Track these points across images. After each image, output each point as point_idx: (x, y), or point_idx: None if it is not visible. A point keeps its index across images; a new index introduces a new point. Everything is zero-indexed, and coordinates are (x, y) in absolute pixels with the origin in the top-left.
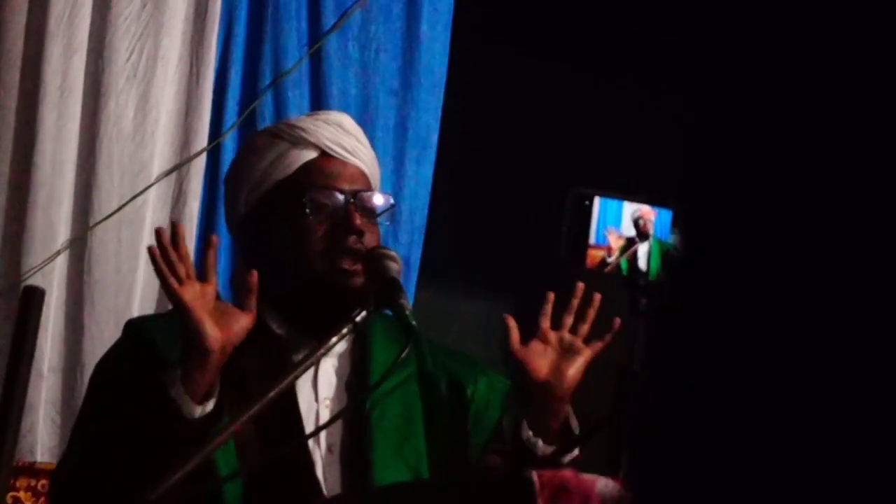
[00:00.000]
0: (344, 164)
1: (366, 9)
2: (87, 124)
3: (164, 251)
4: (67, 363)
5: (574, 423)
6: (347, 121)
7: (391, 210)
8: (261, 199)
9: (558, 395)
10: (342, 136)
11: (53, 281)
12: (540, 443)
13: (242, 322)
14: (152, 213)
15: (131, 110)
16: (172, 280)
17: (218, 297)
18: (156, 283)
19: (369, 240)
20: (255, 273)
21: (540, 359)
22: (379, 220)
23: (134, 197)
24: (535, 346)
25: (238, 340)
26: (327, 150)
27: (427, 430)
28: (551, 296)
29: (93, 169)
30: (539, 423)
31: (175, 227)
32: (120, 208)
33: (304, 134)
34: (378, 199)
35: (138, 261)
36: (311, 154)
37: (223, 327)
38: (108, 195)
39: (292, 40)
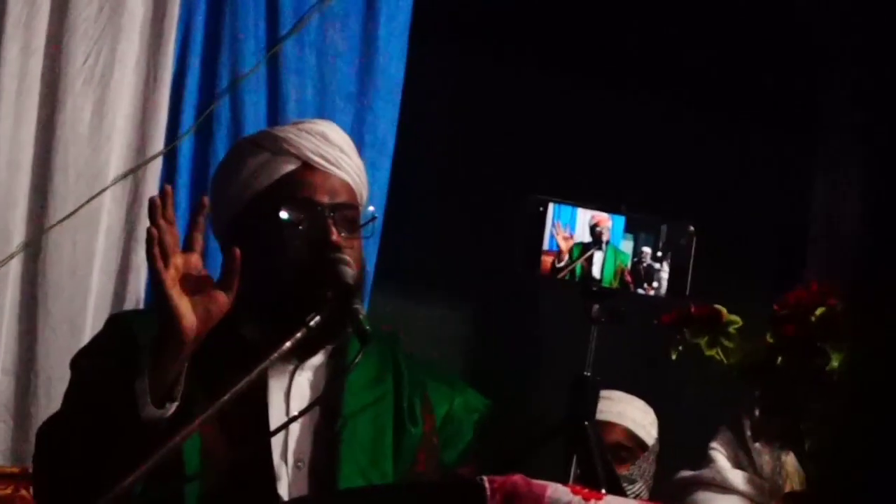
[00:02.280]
0: (326, 175)
1: (323, 14)
2: (44, 127)
3: (154, 218)
4: (21, 366)
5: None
6: (333, 131)
7: (373, 223)
8: (241, 209)
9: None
10: (325, 147)
11: (8, 283)
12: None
13: (220, 303)
14: (108, 216)
15: (88, 113)
16: (159, 261)
17: (202, 270)
18: (110, 286)
19: (349, 254)
20: (237, 251)
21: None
22: (362, 233)
23: (89, 200)
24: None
25: (213, 324)
26: (309, 161)
27: (395, 452)
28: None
29: (48, 172)
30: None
31: (165, 191)
32: (75, 211)
33: (285, 144)
34: (359, 213)
35: (93, 264)
36: (293, 165)
37: (200, 310)
38: (63, 198)
39: (249, 45)
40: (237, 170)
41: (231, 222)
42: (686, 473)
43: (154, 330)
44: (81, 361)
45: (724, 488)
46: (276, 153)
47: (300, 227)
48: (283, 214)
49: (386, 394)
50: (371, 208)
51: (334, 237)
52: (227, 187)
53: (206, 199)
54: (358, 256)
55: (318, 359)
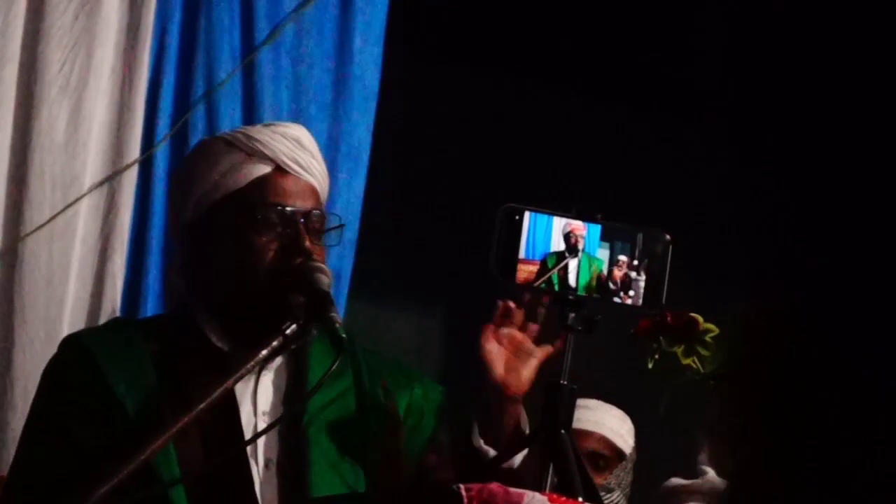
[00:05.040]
0: (297, 180)
1: (298, 22)
2: (19, 135)
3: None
4: None
5: (525, 427)
6: (305, 136)
7: (339, 230)
8: (210, 207)
9: (510, 395)
10: (299, 151)
11: None
12: (491, 452)
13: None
14: (84, 224)
15: (63, 121)
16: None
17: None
18: (86, 294)
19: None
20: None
21: (496, 358)
22: (327, 240)
23: (65, 208)
24: (491, 346)
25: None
26: (283, 165)
27: (362, 444)
28: (504, 304)
29: (24, 180)
30: (492, 426)
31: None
32: (51, 219)
33: (260, 146)
34: (328, 220)
35: (69, 272)
36: (266, 168)
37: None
38: (39, 206)
39: (225, 53)
40: (208, 168)
41: (195, 221)
42: (677, 481)
43: (111, 345)
44: (46, 393)
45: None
46: (250, 154)
47: (272, 233)
48: (258, 218)
49: (348, 389)
50: (337, 216)
51: (307, 244)
52: (195, 185)
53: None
54: (323, 262)
55: (279, 359)
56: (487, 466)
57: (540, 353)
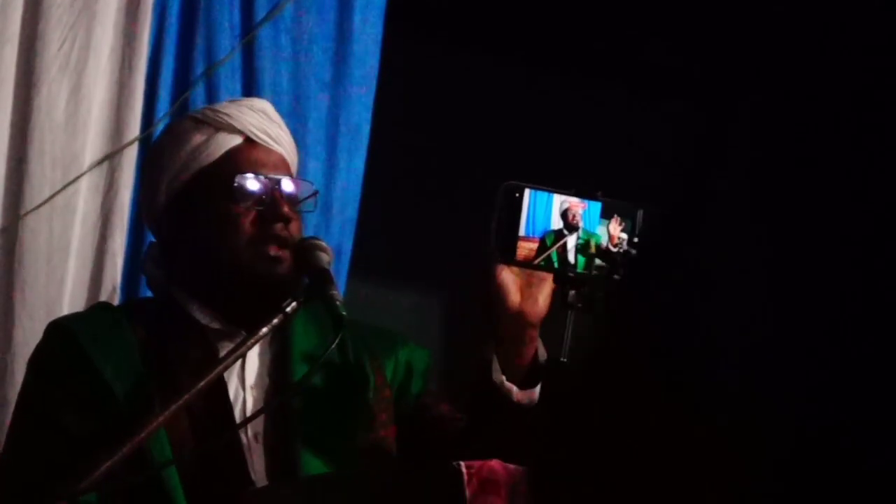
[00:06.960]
0: (268, 151)
1: (298, 1)
2: (19, 114)
3: None
4: None
5: (542, 356)
6: (270, 108)
7: (314, 197)
8: (183, 186)
9: (531, 322)
10: (267, 123)
11: None
12: (514, 389)
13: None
14: (84, 202)
15: (63, 100)
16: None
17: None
18: (86, 273)
19: (294, 227)
20: None
21: (510, 286)
22: (303, 207)
23: (65, 186)
24: (506, 275)
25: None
26: (253, 136)
27: (352, 410)
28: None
29: (24, 158)
30: (510, 358)
31: None
32: (51, 198)
33: (229, 119)
34: (302, 187)
35: (69, 251)
36: (236, 140)
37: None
38: (39, 185)
39: (225, 31)
40: (178, 147)
41: (170, 204)
42: None
43: (96, 328)
44: (34, 381)
45: None
46: (219, 129)
47: (249, 201)
48: (234, 188)
49: (332, 356)
50: (310, 184)
51: (284, 209)
52: (166, 165)
53: None
54: (299, 230)
55: (263, 330)
56: (506, 403)
57: (551, 281)
